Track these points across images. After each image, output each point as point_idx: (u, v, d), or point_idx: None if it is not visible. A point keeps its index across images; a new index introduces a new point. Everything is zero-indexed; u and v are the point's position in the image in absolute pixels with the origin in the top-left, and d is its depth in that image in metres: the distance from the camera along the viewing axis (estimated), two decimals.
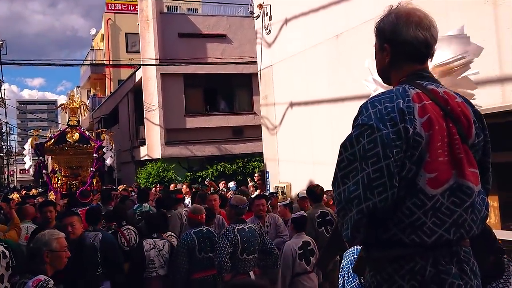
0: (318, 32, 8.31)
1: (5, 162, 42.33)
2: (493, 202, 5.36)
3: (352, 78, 7.13)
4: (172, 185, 12.74)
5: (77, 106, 13.72)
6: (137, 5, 20.27)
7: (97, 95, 31.15)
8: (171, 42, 18.78)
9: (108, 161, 13.48)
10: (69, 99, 13.94)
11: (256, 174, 13.14)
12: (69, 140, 13.01)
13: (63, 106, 14.21)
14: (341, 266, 3.11)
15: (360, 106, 1.65)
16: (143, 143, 19.29)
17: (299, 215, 5.19)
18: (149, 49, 18.56)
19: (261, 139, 11.02)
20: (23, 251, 4.84)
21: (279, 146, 9.94)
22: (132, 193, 11.15)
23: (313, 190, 5.87)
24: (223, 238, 4.45)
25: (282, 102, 9.73)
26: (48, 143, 13.06)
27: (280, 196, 8.76)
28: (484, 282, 2.43)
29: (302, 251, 4.88)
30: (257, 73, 11.04)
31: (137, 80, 19.44)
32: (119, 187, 13.10)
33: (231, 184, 12.55)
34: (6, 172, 43.76)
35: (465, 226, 1.60)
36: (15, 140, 54.72)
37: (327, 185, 4.05)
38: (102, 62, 28.71)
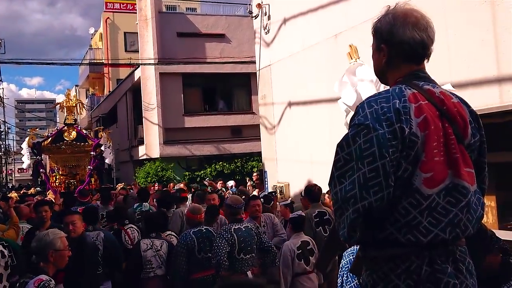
0: (317, 32, 8.31)
1: (3, 161, 42.23)
2: (491, 202, 5.37)
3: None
4: (170, 185, 12.75)
5: (74, 105, 13.73)
6: (135, 4, 20.25)
7: (96, 94, 31.13)
8: (169, 42, 18.78)
9: (108, 160, 13.47)
10: (66, 97, 13.92)
11: (254, 174, 13.17)
12: (66, 139, 13.01)
13: (60, 105, 14.21)
14: (340, 265, 3.12)
15: (357, 106, 1.66)
16: (141, 142, 19.28)
17: (297, 215, 5.18)
18: (148, 48, 18.56)
19: (260, 138, 11.03)
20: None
21: (278, 146, 9.95)
22: (130, 190, 11.14)
23: (311, 190, 5.86)
24: (220, 238, 4.45)
25: (281, 102, 9.73)
26: (46, 142, 13.06)
27: (278, 196, 8.77)
28: (494, 284, 2.44)
29: (300, 251, 4.86)
30: (256, 72, 11.05)
31: (135, 80, 19.43)
32: (117, 186, 13.10)
33: (231, 183, 12.55)
34: (5, 171, 43.65)
35: (461, 225, 1.61)
36: (13, 139, 54.64)
37: (325, 185, 4.07)
38: (101, 61, 28.68)
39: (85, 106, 19.71)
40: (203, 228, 4.88)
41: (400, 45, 1.73)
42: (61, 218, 5.37)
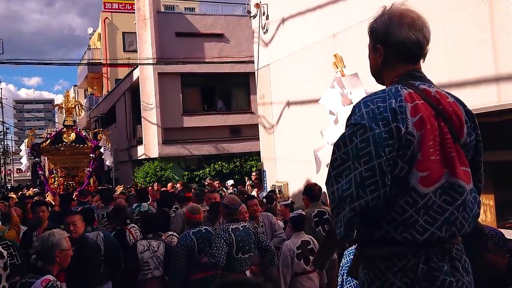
0: (315, 31, 8.32)
1: (1, 162, 42.19)
2: (489, 201, 5.38)
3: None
4: (169, 185, 12.75)
5: (73, 106, 13.71)
6: (134, 4, 20.24)
7: (94, 94, 31.08)
8: (168, 41, 18.77)
9: (108, 162, 13.47)
10: (65, 98, 13.89)
11: (253, 173, 13.18)
12: (66, 141, 12.99)
13: (59, 106, 14.18)
14: (341, 264, 3.12)
15: (353, 106, 1.68)
16: (140, 142, 19.27)
17: (297, 214, 5.15)
18: (146, 48, 18.54)
19: (258, 138, 11.03)
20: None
21: (276, 145, 9.95)
22: (130, 193, 11.14)
23: (311, 189, 5.84)
24: (219, 238, 4.43)
25: (279, 101, 9.74)
26: (45, 143, 13.03)
27: (277, 196, 8.77)
28: (499, 286, 2.43)
29: (300, 250, 4.84)
30: (254, 72, 11.05)
31: (134, 79, 19.42)
32: (116, 188, 13.08)
33: (230, 182, 12.55)
34: (3, 172, 43.62)
35: (457, 224, 1.62)
36: (11, 140, 54.58)
37: (324, 184, 4.07)
38: (99, 61, 28.65)
39: (83, 106, 19.68)
40: (202, 229, 4.85)
41: (396, 45, 1.75)
42: (60, 219, 5.37)
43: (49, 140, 13.15)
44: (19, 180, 45.49)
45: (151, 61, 17.95)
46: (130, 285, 5.00)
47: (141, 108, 18.52)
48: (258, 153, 12.17)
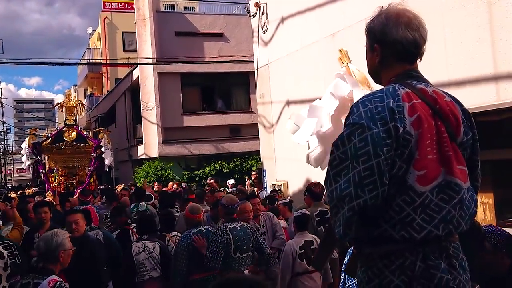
0: (315, 31, 8.33)
1: (2, 162, 42.20)
2: (488, 200, 5.40)
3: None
4: (170, 184, 12.76)
5: (74, 105, 13.71)
6: (133, 3, 20.24)
7: (94, 94, 31.08)
8: (168, 41, 18.77)
9: (108, 161, 13.47)
10: (66, 98, 13.90)
11: (253, 173, 13.20)
12: (66, 139, 13.00)
13: (59, 105, 14.19)
14: (344, 263, 3.13)
15: (351, 106, 1.69)
16: (140, 142, 19.29)
17: (301, 213, 5.11)
18: (146, 47, 18.55)
19: (258, 137, 11.04)
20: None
21: (276, 145, 9.96)
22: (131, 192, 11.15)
23: (314, 188, 5.83)
24: (214, 240, 4.42)
25: (279, 101, 9.74)
26: (45, 142, 13.04)
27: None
28: (498, 286, 2.42)
29: (303, 250, 4.82)
30: (254, 71, 11.06)
31: (134, 79, 19.43)
32: (116, 187, 13.10)
33: (231, 182, 12.55)
34: (4, 172, 43.64)
35: (454, 222, 1.63)
36: (12, 140, 54.63)
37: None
38: (99, 61, 28.65)
39: (85, 106, 19.69)
40: (203, 229, 4.80)
41: (393, 45, 1.76)
42: (63, 219, 5.34)
43: (50, 139, 13.16)
44: (19, 180, 45.50)
45: (151, 61, 17.96)
46: None
47: (141, 108, 18.53)
48: (258, 153, 12.18)
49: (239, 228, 4.58)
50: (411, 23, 1.74)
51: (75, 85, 39.76)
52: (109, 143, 13.55)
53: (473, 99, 4.89)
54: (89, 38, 35.58)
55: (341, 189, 1.59)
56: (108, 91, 27.18)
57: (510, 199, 5.39)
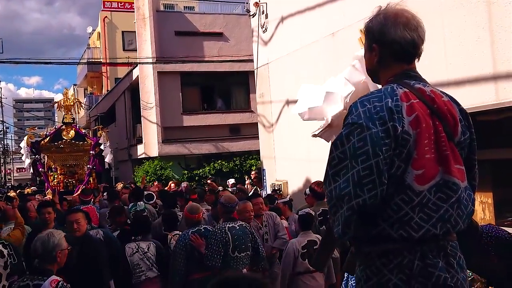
0: (314, 30, 8.33)
1: (1, 161, 42.20)
2: (488, 199, 5.41)
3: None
4: (171, 183, 12.74)
5: (72, 104, 13.70)
6: (133, 3, 20.23)
7: (94, 94, 31.07)
8: (167, 40, 18.77)
9: (108, 158, 13.46)
10: (64, 96, 13.90)
11: (253, 172, 13.20)
12: (65, 138, 12.98)
13: (58, 103, 14.18)
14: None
15: (350, 106, 1.69)
16: (140, 141, 19.29)
17: (305, 213, 5.11)
18: (146, 47, 18.55)
19: (258, 137, 11.04)
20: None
21: (276, 144, 9.97)
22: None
23: (316, 188, 5.83)
24: (213, 239, 4.43)
25: (279, 100, 9.75)
26: (44, 141, 13.03)
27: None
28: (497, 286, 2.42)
29: (305, 250, 4.82)
30: (254, 71, 11.06)
31: (133, 78, 19.42)
32: (116, 185, 13.10)
33: (231, 181, 12.54)
34: (3, 171, 43.63)
35: (451, 221, 1.65)
36: (11, 139, 54.62)
37: None
38: (99, 60, 28.65)
39: (83, 105, 19.68)
40: (202, 228, 4.80)
41: (391, 45, 1.76)
42: (63, 218, 5.32)
43: (48, 138, 13.14)
44: (19, 179, 45.51)
45: (150, 60, 17.96)
46: None
47: (141, 107, 18.53)
48: (257, 152, 12.18)
49: (238, 227, 4.59)
50: (409, 23, 1.75)
51: (74, 85, 39.70)
52: (107, 141, 13.53)
53: (473, 98, 4.90)
54: (89, 37, 35.58)
55: (340, 189, 1.59)
56: (107, 90, 27.17)
57: (509, 198, 5.40)
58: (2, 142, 43.73)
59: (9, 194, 12.15)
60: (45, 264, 3.40)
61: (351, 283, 3.09)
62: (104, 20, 29.07)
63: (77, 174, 13.22)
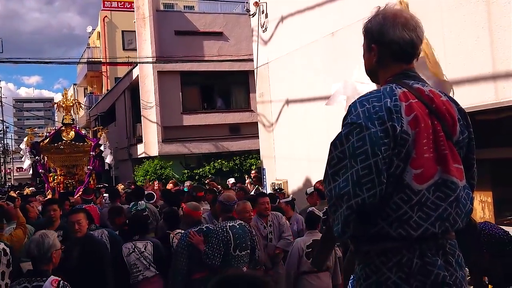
0: (314, 30, 8.34)
1: (1, 161, 42.23)
2: (487, 198, 5.42)
3: (347, 76, 7.16)
4: (171, 182, 12.73)
5: (71, 104, 13.70)
6: (133, 2, 20.22)
7: (94, 93, 31.08)
8: (167, 40, 18.76)
9: (108, 159, 13.46)
10: (63, 97, 13.89)
11: (253, 171, 13.20)
12: (65, 139, 12.97)
13: (57, 104, 14.17)
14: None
15: (349, 105, 1.71)
16: (140, 140, 19.30)
17: (312, 212, 5.11)
18: (146, 46, 18.55)
19: (258, 136, 11.06)
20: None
21: (276, 143, 9.98)
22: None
23: (321, 187, 5.84)
24: (215, 237, 4.44)
25: (278, 100, 9.77)
26: (44, 142, 13.02)
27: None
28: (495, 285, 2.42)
29: (310, 249, 4.83)
30: (254, 70, 11.07)
31: (133, 78, 19.43)
32: (117, 186, 13.08)
33: (231, 181, 12.55)
34: (3, 171, 43.65)
35: (450, 219, 1.66)
36: (11, 138, 54.65)
37: None
38: (99, 60, 28.64)
39: (82, 105, 19.66)
40: (203, 227, 4.80)
41: (390, 45, 1.78)
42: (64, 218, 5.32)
43: (48, 139, 13.14)
44: (19, 179, 45.50)
45: (150, 60, 17.96)
46: None
47: (141, 107, 18.53)
48: (257, 151, 12.19)
49: (238, 226, 4.61)
50: (408, 24, 1.76)
51: (74, 84, 39.75)
52: (107, 142, 13.53)
53: (472, 98, 4.91)
54: (89, 37, 35.58)
55: (339, 188, 1.61)
56: (107, 90, 27.16)
57: (508, 197, 5.41)
58: (2, 141, 43.74)
59: (10, 194, 12.15)
60: (41, 265, 3.40)
61: (351, 282, 3.09)
62: (104, 20, 29.06)
63: (77, 175, 13.22)
